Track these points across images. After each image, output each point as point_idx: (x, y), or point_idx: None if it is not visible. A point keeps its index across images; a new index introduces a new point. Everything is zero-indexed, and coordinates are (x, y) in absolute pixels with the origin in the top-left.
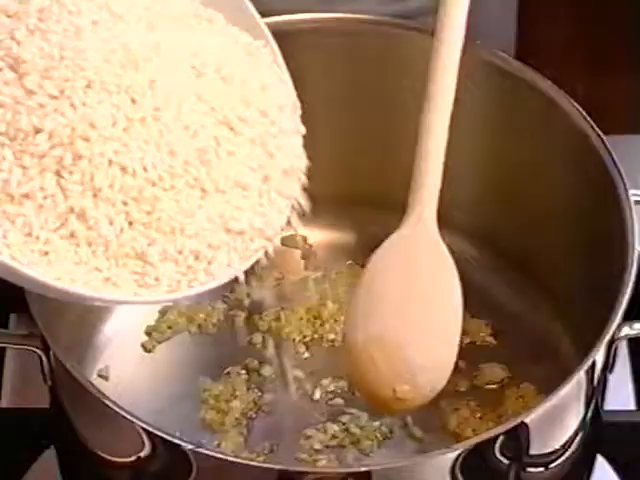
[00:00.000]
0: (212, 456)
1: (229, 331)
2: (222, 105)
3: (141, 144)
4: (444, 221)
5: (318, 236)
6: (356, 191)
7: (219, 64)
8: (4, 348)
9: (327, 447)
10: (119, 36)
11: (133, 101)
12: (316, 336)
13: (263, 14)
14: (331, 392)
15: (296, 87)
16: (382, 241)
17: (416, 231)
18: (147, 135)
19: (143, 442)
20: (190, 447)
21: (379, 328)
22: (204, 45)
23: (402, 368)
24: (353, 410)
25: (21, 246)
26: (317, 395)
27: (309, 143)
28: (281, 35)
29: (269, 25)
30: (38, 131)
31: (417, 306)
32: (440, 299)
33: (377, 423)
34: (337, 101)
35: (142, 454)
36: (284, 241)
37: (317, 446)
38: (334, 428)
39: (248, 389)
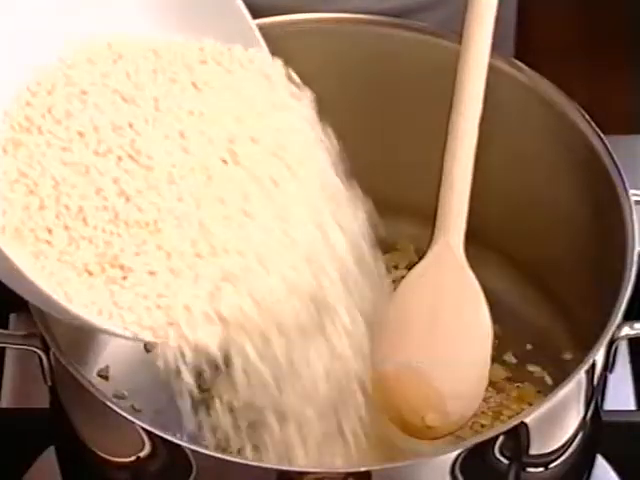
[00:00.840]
0: (212, 456)
1: None
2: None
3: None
4: None
5: None
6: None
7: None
8: (4, 348)
9: None
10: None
11: (247, 216)
12: None
13: (263, 8)
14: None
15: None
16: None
17: (443, 258)
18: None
19: (143, 442)
20: (190, 447)
21: (407, 357)
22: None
23: (431, 397)
24: None
25: (134, 306)
26: None
27: None
28: (281, 35)
29: (269, 25)
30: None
31: (445, 335)
32: (468, 327)
33: None
34: (336, 101)
35: (142, 454)
36: None
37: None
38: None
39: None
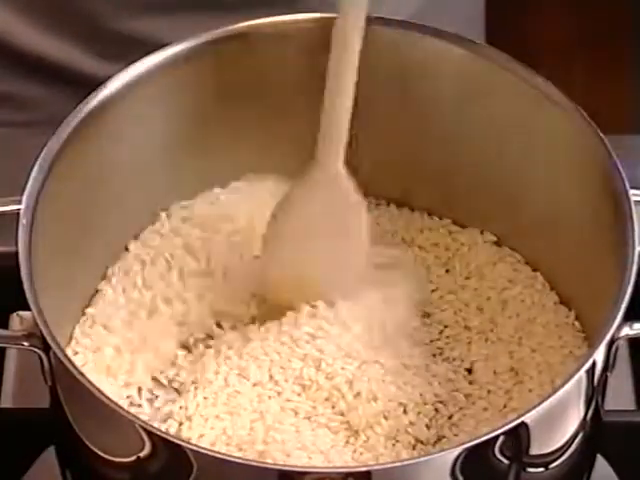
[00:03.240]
0: (212, 456)
1: None
2: None
3: None
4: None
5: None
6: None
7: None
8: (4, 348)
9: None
10: None
11: None
12: None
13: None
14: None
15: (294, 87)
16: None
17: (327, 178)
18: None
19: (143, 442)
20: (190, 447)
21: (294, 262)
22: None
23: (311, 291)
24: None
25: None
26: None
27: (305, 143)
28: (280, 35)
29: (268, 25)
30: None
31: (325, 239)
32: (347, 231)
33: None
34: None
35: (142, 454)
36: None
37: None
38: None
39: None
